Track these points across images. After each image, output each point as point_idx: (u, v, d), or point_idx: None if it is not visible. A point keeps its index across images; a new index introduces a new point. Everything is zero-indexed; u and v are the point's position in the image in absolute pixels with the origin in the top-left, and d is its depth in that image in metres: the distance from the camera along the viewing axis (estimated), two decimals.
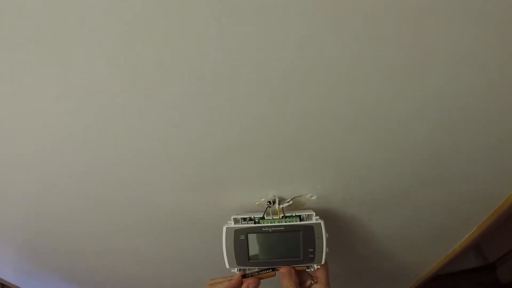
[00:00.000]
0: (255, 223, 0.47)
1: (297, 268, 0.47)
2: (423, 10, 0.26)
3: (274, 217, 0.47)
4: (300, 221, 0.47)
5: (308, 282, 0.49)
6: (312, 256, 0.46)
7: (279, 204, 0.48)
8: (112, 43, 0.27)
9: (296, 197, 0.48)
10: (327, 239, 0.46)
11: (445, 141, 0.41)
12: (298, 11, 0.25)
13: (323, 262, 0.47)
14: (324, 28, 0.27)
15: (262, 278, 0.48)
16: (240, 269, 0.47)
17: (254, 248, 0.47)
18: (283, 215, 0.47)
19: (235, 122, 0.36)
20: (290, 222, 0.47)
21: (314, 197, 0.50)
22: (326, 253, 0.46)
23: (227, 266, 0.47)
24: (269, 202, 0.48)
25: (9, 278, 0.85)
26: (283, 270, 0.46)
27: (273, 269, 0.47)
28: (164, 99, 0.33)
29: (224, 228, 0.46)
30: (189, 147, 0.40)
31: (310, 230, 0.46)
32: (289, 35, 0.27)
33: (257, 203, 0.51)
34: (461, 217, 0.63)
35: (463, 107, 0.36)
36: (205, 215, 0.53)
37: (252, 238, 0.47)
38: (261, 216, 0.47)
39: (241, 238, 0.46)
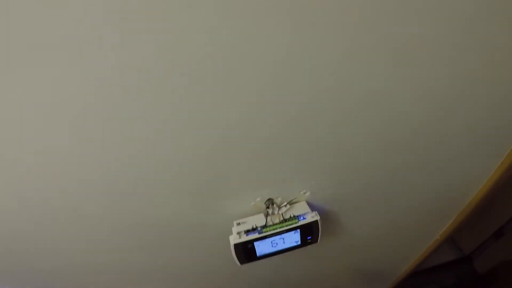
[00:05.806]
0: (259, 233, 0.50)
1: None
2: None
3: (274, 222, 0.51)
4: (298, 222, 0.51)
5: None
6: (310, 241, 0.54)
7: (278, 210, 0.51)
8: None
9: (291, 200, 0.53)
10: (321, 224, 0.52)
11: (426, 138, 0.45)
12: None
13: (318, 241, 0.54)
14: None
15: None
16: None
17: (260, 249, 0.52)
18: (282, 219, 0.51)
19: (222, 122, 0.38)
20: (290, 225, 0.51)
21: (308, 193, 0.53)
22: (320, 233, 0.53)
23: (239, 264, 0.53)
24: (267, 207, 0.52)
25: None
26: None
27: None
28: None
29: (232, 245, 0.50)
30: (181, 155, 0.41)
31: (308, 227, 0.51)
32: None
33: (252, 204, 0.53)
34: (437, 213, 0.70)
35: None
36: (205, 221, 0.55)
37: (258, 244, 0.51)
38: (263, 224, 0.51)
39: (248, 247, 0.50)
